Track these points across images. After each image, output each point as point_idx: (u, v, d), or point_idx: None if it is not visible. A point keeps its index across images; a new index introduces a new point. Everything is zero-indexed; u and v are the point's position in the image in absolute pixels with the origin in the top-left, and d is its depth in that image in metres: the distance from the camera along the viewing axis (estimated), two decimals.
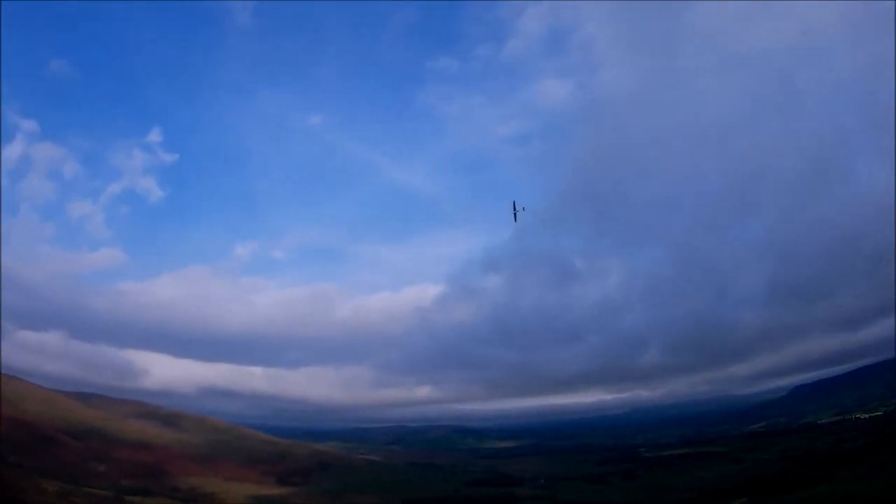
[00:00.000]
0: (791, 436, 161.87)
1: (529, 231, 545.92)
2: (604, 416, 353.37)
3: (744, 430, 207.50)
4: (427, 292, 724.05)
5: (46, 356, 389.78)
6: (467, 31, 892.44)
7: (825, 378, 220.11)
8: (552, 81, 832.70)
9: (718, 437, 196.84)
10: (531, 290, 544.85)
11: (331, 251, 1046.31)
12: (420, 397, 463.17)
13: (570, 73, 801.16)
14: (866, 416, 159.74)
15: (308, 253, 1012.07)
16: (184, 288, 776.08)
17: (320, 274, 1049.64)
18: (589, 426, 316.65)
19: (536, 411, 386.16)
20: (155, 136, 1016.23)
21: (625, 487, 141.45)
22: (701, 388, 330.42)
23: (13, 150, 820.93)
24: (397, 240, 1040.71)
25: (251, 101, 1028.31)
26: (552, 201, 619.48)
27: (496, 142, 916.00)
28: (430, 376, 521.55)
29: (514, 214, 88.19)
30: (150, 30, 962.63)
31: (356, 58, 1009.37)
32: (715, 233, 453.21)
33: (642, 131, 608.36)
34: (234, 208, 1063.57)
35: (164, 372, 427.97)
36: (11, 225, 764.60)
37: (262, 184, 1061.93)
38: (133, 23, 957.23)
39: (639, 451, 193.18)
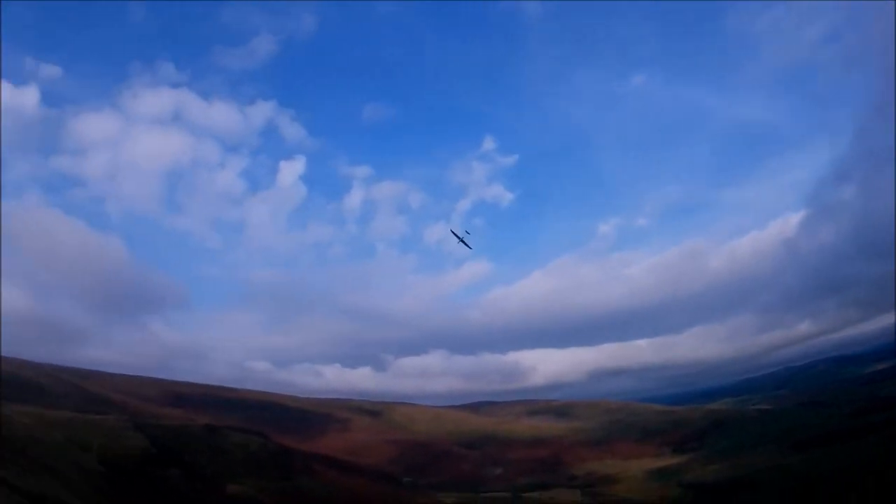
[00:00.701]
0: None
1: (870, 129, 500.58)
2: None
3: None
4: (790, 222, 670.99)
5: (429, 377, 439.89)
6: None
7: None
8: None
9: None
10: (884, 192, 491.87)
11: (691, 205, 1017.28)
12: (800, 334, 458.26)
13: None
14: None
15: (669, 213, 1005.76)
16: (555, 279, 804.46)
17: (686, 230, 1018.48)
18: None
19: None
20: (489, 144, 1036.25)
21: None
22: None
23: (352, 199, 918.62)
24: (748, 175, 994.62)
25: (568, 81, 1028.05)
26: (884, 90, 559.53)
27: (810, 46, 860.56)
28: (807, 309, 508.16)
29: (464, 242, 74.63)
30: (448, 56, 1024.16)
31: (651, 7, 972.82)
32: None
33: None
34: (586, 189, 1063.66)
35: (550, 366, 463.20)
36: (372, 266, 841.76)
37: (606, 157, 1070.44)
38: (431, 53, 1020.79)
39: None
